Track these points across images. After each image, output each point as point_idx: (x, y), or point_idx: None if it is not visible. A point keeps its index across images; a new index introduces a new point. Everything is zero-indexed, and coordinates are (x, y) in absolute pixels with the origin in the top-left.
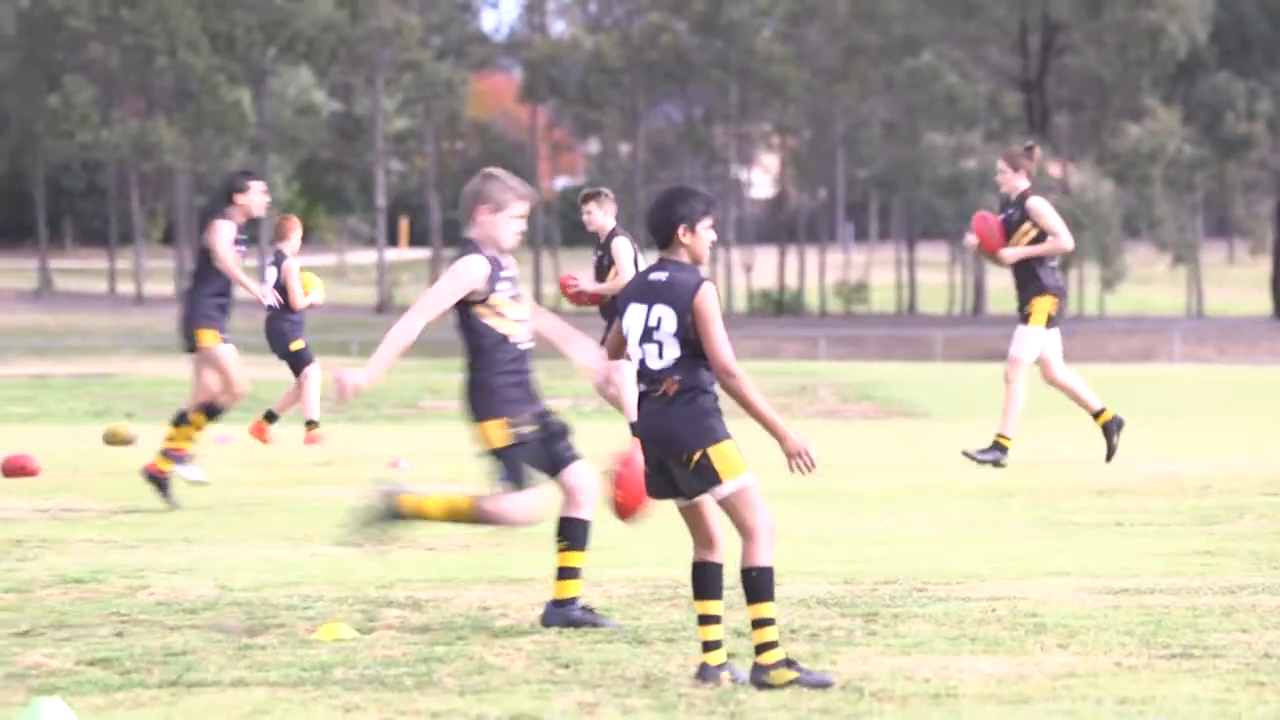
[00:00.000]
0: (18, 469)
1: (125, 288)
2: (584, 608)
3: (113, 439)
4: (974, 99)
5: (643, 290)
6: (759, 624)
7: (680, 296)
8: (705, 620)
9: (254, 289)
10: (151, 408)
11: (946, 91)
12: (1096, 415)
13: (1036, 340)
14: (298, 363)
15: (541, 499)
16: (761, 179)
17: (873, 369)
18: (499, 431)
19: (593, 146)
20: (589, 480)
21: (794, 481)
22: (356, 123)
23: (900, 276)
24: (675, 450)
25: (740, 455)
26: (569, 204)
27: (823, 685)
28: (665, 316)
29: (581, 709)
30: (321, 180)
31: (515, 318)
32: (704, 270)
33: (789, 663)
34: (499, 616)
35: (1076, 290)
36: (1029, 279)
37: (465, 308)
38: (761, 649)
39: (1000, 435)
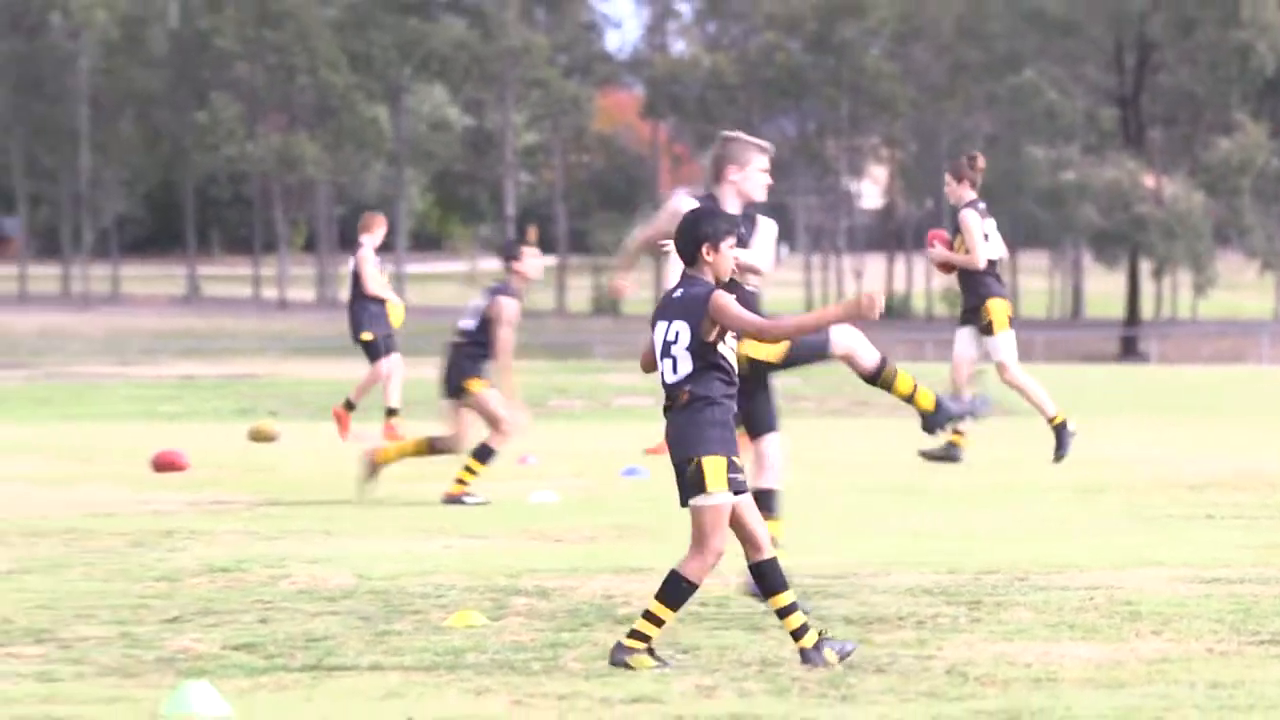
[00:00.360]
0: (168, 465)
1: (269, 293)
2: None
3: (257, 436)
4: (1072, 114)
5: (665, 307)
6: (647, 616)
7: (693, 309)
8: (784, 613)
9: None
10: (294, 406)
11: (1046, 107)
12: (1051, 419)
13: (1008, 342)
14: (371, 352)
15: None
16: (871, 190)
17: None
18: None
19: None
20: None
21: (901, 477)
22: (488, 137)
23: None
24: (676, 456)
25: (724, 475)
26: None
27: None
28: (681, 331)
29: (700, 692)
30: (455, 191)
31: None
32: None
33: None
34: (621, 604)
35: (1170, 295)
36: (975, 286)
37: None
38: (635, 635)
39: (1052, 420)
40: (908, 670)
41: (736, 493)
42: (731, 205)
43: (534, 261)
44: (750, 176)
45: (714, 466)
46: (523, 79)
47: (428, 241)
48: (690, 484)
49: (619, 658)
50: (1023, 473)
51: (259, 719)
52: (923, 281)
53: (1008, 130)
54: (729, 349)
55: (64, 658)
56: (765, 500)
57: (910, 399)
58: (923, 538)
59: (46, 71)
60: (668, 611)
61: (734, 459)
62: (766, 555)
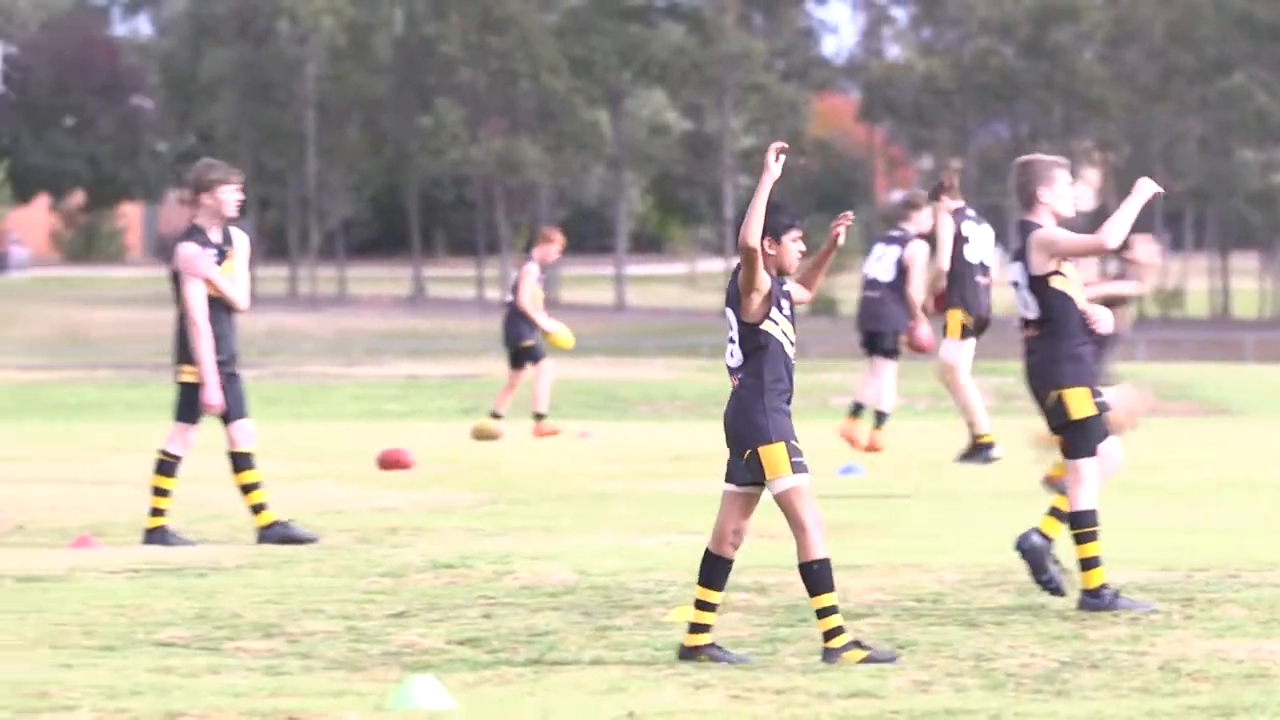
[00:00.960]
0: (393, 463)
1: (492, 294)
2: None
3: (480, 435)
4: None
5: (726, 298)
6: (823, 614)
7: (733, 295)
8: (703, 606)
9: None
10: (516, 406)
11: (1257, 110)
12: (979, 436)
13: (956, 349)
14: (525, 358)
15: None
16: (1083, 192)
17: (1189, 370)
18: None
19: (925, 163)
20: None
21: (1115, 476)
22: (706, 141)
23: (1214, 283)
24: (731, 441)
25: (787, 457)
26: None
27: (889, 660)
28: (731, 319)
29: (916, 687)
30: (674, 194)
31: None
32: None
33: (857, 643)
34: (839, 600)
35: None
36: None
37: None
38: (830, 635)
39: (979, 437)
40: (1122, 666)
41: (801, 472)
42: (1049, 223)
43: None
44: (1060, 194)
45: (770, 455)
46: (741, 84)
47: (647, 243)
48: (752, 471)
49: (830, 659)
50: (1236, 470)
51: (482, 713)
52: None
53: (1218, 133)
54: (781, 333)
55: (292, 652)
56: None
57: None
58: (1137, 535)
59: (274, 77)
60: (827, 597)
61: (793, 441)
62: (729, 555)
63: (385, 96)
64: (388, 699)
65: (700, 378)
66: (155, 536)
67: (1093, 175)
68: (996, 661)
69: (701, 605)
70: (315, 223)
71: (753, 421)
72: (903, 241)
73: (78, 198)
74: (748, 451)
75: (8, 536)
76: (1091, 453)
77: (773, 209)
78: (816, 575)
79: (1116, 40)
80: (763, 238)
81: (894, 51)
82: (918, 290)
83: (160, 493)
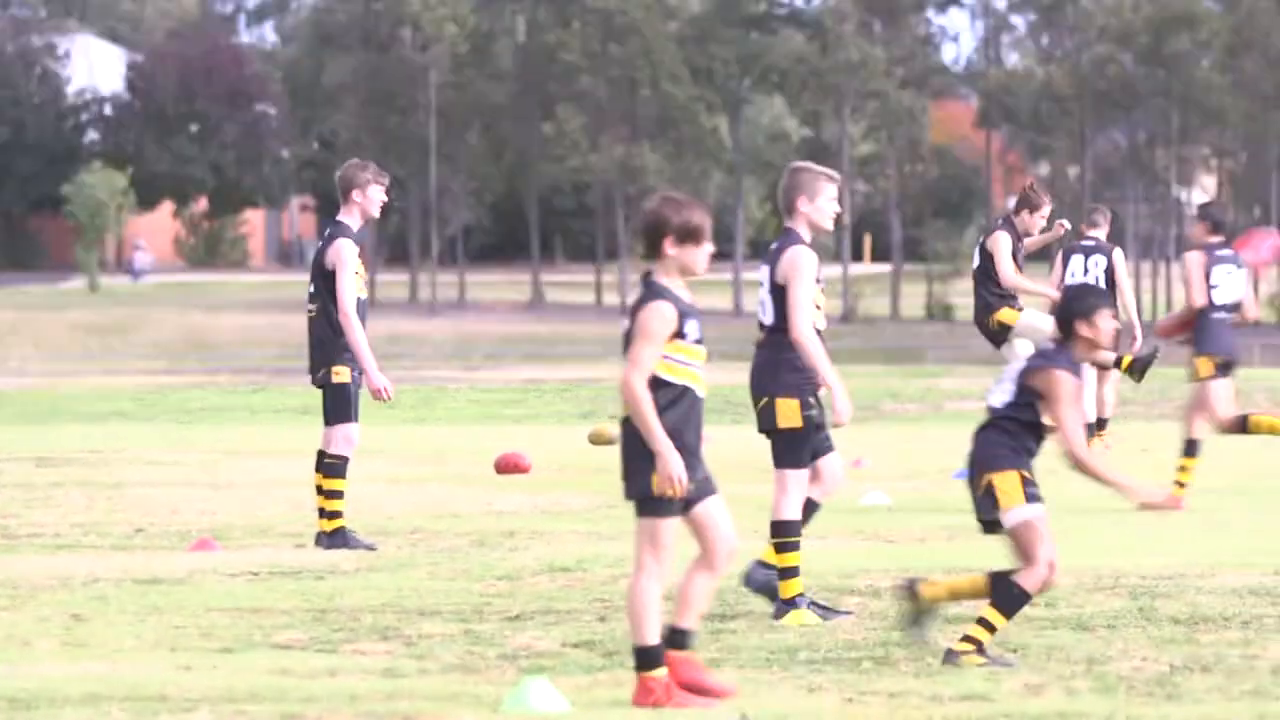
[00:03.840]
0: (511, 467)
1: (611, 299)
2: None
3: (597, 439)
4: None
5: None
6: (981, 622)
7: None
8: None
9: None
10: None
11: None
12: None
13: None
14: None
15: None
16: (1200, 199)
17: None
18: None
19: (1043, 169)
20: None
21: (1230, 479)
22: (824, 148)
23: None
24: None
25: (1020, 490)
26: None
27: (1007, 665)
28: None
29: (1028, 690)
30: None
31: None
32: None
33: (980, 649)
34: (952, 604)
35: None
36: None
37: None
38: (967, 639)
39: None
40: (1233, 669)
41: (1036, 502)
42: (805, 235)
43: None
44: (821, 207)
45: (1007, 482)
46: (859, 91)
47: (765, 250)
48: (986, 504)
49: (951, 660)
50: None
51: (596, 715)
52: (1250, 287)
53: None
54: None
55: (408, 654)
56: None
57: None
58: (1251, 538)
59: (396, 85)
60: (1000, 618)
61: (1025, 473)
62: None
63: (506, 104)
64: (503, 701)
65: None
66: (337, 539)
67: (1209, 182)
68: (1108, 665)
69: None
70: (436, 229)
71: (992, 453)
72: (1102, 250)
73: (201, 204)
74: (980, 480)
75: (129, 539)
76: (798, 464)
77: (1081, 292)
78: (1015, 600)
79: (1234, 48)
80: (1078, 321)
81: (1013, 59)
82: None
83: (333, 495)
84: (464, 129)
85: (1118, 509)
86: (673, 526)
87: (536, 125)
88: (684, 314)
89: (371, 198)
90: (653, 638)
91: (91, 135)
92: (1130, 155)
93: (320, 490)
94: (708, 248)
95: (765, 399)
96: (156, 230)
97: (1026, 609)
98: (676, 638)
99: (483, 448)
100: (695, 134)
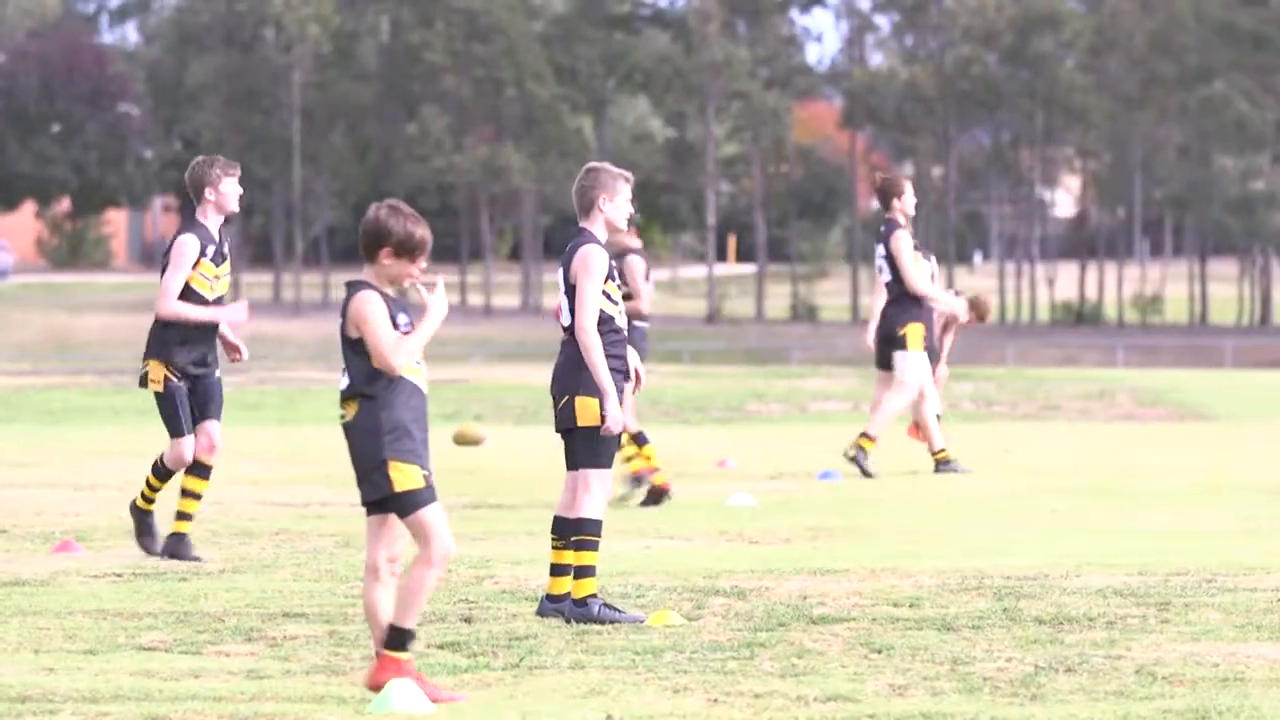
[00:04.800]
0: None
1: (475, 300)
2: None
3: (462, 440)
4: (1263, 125)
5: None
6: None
7: None
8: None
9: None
10: (498, 411)
11: (1237, 118)
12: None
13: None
14: None
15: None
16: (1064, 199)
17: (1167, 376)
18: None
19: (907, 169)
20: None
21: (1093, 481)
22: (689, 148)
23: (1193, 289)
24: None
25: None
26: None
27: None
28: None
29: (893, 691)
30: (656, 201)
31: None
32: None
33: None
34: (817, 605)
35: None
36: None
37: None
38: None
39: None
40: (1097, 670)
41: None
42: (601, 235)
43: None
44: (619, 207)
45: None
46: (724, 91)
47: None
48: None
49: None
50: (1214, 475)
51: (462, 717)
52: (1114, 289)
53: (1198, 140)
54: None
55: (272, 655)
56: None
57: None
58: (1116, 539)
59: (260, 85)
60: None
61: None
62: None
63: (370, 104)
64: (368, 703)
65: (681, 383)
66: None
67: (1073, 183)
68: (973, 665)
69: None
70: (300, 229)
71: None
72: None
73: (64, 204)
74: None
75: None
76: (601, 464)
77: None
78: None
79: (1098, 49)
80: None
81: (877, 59)
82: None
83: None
84: (328, 129)
85: (982, 510)
86: (438, 508)
87: (401, 125)
88: (393, 310)
89: (225, 192)
90: (410, 622)
91: None
92: (994, 155)
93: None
94: (421, 264)
95: (566, 398)
96: (18, 230)
97: (890, 610)
98: (401, 636)
99: (346, 449)
100: (560, 134)
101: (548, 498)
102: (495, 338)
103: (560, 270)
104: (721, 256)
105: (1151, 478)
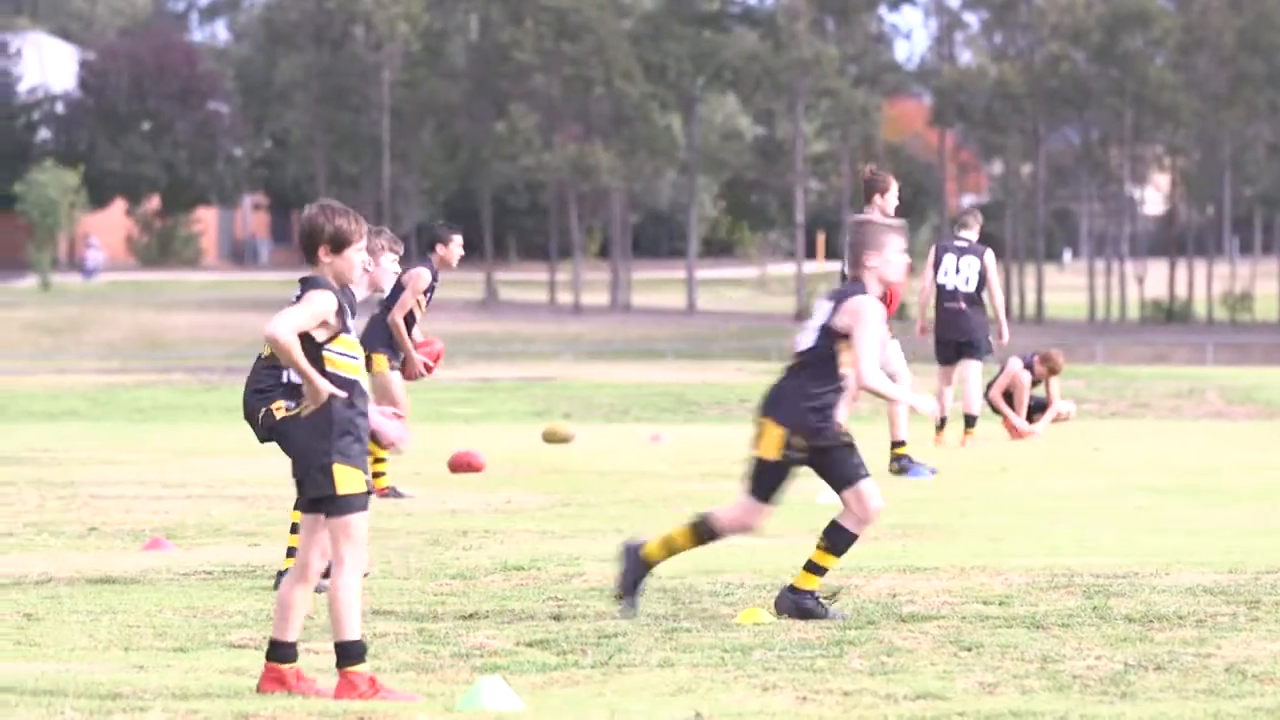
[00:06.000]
0: (464, 465)
1: (564, 298)
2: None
3: (551, 437)
4: None
5: None
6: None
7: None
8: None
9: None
10: (587, 408)
11: None
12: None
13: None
14: None
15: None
16: (1153, 197)
17: (1257, 374)
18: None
19: (996, 167)
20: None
21: (1182, 479)
22: (778, 146)
23: None
24: None
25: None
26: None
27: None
28: None
29: (983, 689)
30: (745, 199)
31: None
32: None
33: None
34: (906, 603)
35: None
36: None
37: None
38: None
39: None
40: (1187, 668)
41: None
42: (873, 289)
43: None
44: (889, 260)
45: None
46: (813, 89)
47: (718, 248)
48: None
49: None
50: None
51: (551, 714)
52: (1204, 286)
53: None
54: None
55: None
56: None
57: None
58: (1205, 536)
59: (349, 83)
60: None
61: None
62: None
63: (459, 102)
64: (457, 700)
65: (770, 381)
66: None
67: (1163, 181)
68: (1062, 663)
69: None
70: (389, 228)
71: None
72: (975, 251)
73: (154, 202)
74: None
75: (82, 538)
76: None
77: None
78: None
79: (1187, 47)
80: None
81: (966, 57)
82: (1000, 298)
83: None
84: (417, 127)
85: (1071, 509)
86: (365, 520)
87: (490, 124)
88: (343, 308)
89: (385, 267)
90: (355, 633)
91: (44, 133)
92: (1083, 153)
93: None
94: (358, 255)
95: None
96: (109, 228)
97: (980, 608)
98: (284, 651)
99: (436, 446)
100: (648, 132)
101: (635, 495)
102: (584, 336)
103: (823, 303)
104: (810, 254)
105: (1240, 475)
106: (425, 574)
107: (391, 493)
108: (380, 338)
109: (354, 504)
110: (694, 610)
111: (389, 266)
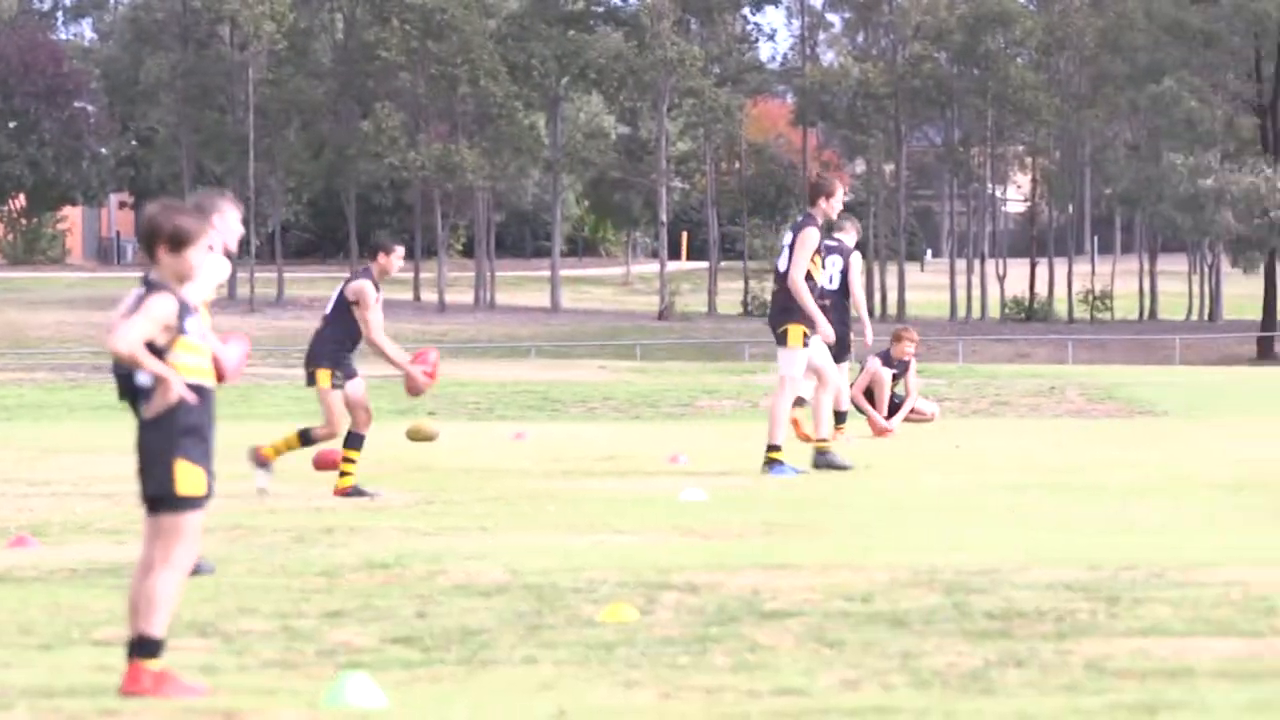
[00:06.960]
0: (328, 463)
1: (429, 296)
2: None
3: (415, 435)
4: (1212, 122)
5: None
6: None
7: None
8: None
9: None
10: (452, 406)
11: (1186, 115)
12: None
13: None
14: None
15: None
16: (1014, 196)
17: (1116, 371)
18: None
19: (859, 166)
20: None
21: (1044, 476)
22: (642, 145)
23: (1142, 286)
24: None
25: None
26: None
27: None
28: None
29: (844, 685)
30: (609, 198)
31: None
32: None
33: None
34: (769, 600)
35: None
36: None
37: None
38: None
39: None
40: (1047, 664)
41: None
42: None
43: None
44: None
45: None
46: (677, 88)
47: (583, 247)
48: None
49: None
50: (1162, 471)
51: (415, 711)
52: (1064, 285)
53: (1148, 138)
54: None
55: (227, 650)
56: None
57: None
58: (1067, 533)
59: (215, 82)
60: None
61: None
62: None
63: (325, 101)
64: (321, 697)
65: (633, 379)
66: None
67: (1024, 180)
68: (924, 660)
69: None
70: (254, 226)
71: None
72: (842, 251)
73: (19, 201)
74: None
75: None
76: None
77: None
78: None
79: (1048, 47)
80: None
81: (829, 57)
82: (861, 297)
83: None
84: (282, 126)
85: (933, 506)
86: (199, 520)
87: (355, 122)
88: (184, 310)
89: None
90: (160, 631)
91: None
92: (945, 153)
93: None
94: (198, 255)
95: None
96: None
97: (843, 605)
98: (151, 646)
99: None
100: (513, 131)
101: (499, 492)
102: (449, 334)
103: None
104: (674, 253)
105: (1101, 473)
106: (289, 571)
107: (355, 491)
108: (325, 353)
109: (191, 503)
110: (557, 607)
111: (234, 226)
